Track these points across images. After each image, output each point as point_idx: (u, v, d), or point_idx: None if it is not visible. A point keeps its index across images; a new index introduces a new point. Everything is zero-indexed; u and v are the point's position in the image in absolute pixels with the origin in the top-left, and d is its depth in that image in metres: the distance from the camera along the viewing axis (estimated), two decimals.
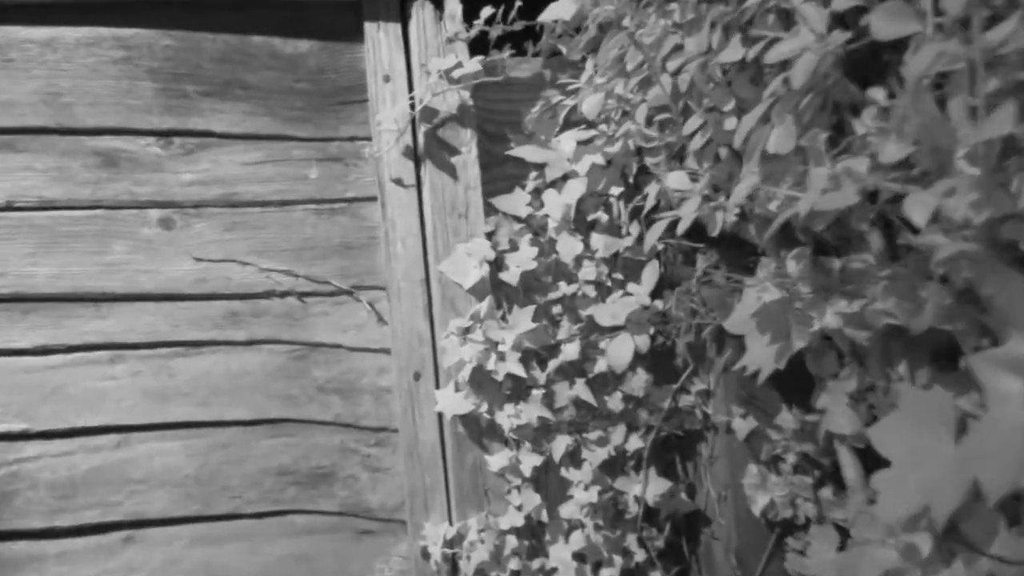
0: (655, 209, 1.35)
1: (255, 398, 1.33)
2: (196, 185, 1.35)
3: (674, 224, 1.11)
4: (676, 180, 1.08)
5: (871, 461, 0.99)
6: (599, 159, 1.36)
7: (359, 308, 1.37)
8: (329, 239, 1.37)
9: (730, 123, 1.03)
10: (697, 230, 1.16)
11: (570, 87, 1.38)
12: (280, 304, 1.35)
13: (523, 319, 1.31)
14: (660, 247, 1.38)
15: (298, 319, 1.36)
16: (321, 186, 1.38)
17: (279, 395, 1.34)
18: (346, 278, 1.37)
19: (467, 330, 1.31)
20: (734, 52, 0.99)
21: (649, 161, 1.27)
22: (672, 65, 1.09)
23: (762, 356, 1.06)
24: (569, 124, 1.40)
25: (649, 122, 1.17)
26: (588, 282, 1.35)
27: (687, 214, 1.05)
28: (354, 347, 1.36)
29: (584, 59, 1.38)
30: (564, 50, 1.38)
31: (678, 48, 1.08)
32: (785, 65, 0.90)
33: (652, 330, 1.30)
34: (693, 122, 1.06)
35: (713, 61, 1.02)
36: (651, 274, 1.27)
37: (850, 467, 1.07)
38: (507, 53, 1.34)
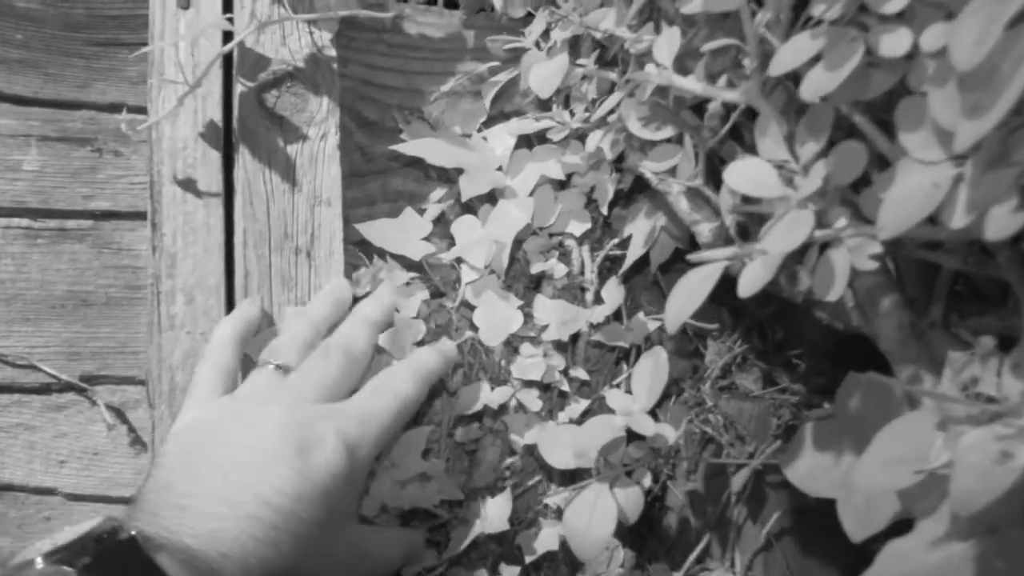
0: (643, 261, 0.79)
1: None
2: None
3: (731, 281, 0.53)
4: (748, 175, 0.49)
5: None
6: (555, 170, 0.78)
7: (93, 419, 0.72)
8: (47, 286, 0.73)
9: (893, 41, 0.45)
10: (723, 285, 0.57)
11: (508, 46, 0.80)
12: None
13: (405, 451, 0.70)
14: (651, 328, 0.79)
15: None
16: (44, 187, 0.74)
17: None
18: (73, 360, 0.72)
19: None
20: None
21: (651, 168, 0.70)
22: None
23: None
24: (501, 115, 0.83)
25: (682, 67, 0.59)
26: (529, 383, 0.75)
27: (777, 249, 0.46)
28: (77, 495, 0.71)
29: (531, 15, 0.82)
30: (499, 1, 0.82)
31: None
32: None
33: (650, 480, 0.70)
34: (795, 48, 0.47)
35: None
36: (654, 372, 0.67)
37: None
38: None
